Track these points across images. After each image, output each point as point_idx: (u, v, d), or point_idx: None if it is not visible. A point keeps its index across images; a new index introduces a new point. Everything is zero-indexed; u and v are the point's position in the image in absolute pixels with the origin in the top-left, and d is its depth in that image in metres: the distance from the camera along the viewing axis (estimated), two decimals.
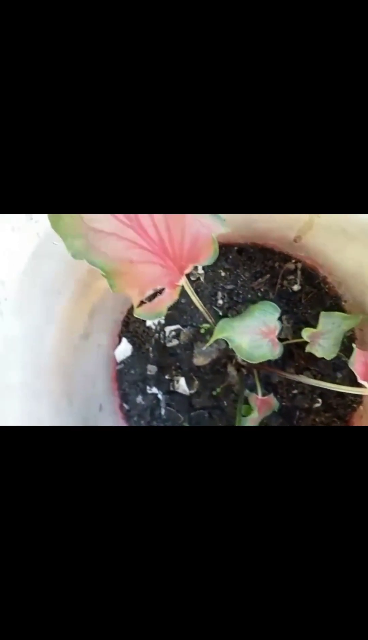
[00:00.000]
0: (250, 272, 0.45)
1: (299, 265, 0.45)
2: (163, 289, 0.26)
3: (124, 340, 0.46)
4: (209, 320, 0.35)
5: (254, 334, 0.35)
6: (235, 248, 0.45)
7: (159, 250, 0.26)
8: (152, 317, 0.26)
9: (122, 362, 0.46)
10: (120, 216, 0.24)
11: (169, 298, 0.26)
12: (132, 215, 0.25)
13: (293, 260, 0.45)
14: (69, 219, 0.23)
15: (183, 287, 0.27)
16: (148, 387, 0.46)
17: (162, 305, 0.26)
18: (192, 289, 0.28)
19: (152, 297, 0.26)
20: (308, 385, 0.45)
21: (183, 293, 0.46)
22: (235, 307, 0.45)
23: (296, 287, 0.45)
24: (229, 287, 0.45)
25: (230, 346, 0.33)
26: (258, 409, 0.40)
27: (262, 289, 0.45)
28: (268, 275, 0.45)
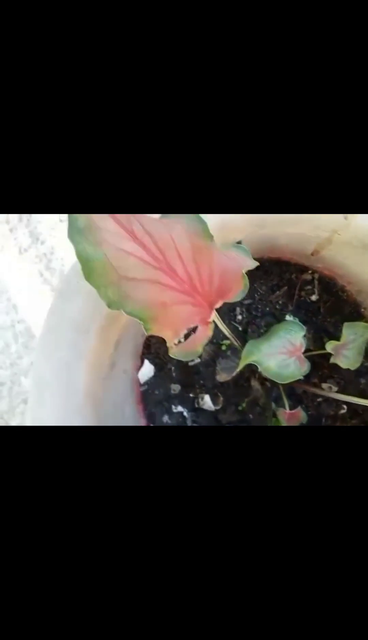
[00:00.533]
0: (267, 286, 0.45)
1: (316, 275, 0.45)
2: (196, 327, 0.26)
3: (146, 361, 0.46)
4: (235, 342, 0.35)
5: (281, 354, 0.35)
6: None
7: (189, 289, 0.26)
8: (188, 356, 0.26)
9: (146, 383, 0.47)
10: (148, 257, 0.24)
11: (203, 335, 0.26)
12: (160, 256, 0.25)
13: (310, 271, 0.44)
14: (101, 270, 0.23)
15: (214, 322, 0.27)
16: (173, 406, 0.47)
17: (197, 344, 0.26)
18: (222, 321, 0.28)
19: (186, 336, 0.26)
20: (334, 392, 0.45)
21: None
22: (255, 322, 0.45)
23: (314, 297, 0.45)
24: (247, 301, 0.45)
25: (260, 369, 0.33)
26: (287, 423, 0.40)
27: (280, 302, 0.45)
28: (285, 288, 0.45)
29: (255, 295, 0.45)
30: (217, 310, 0.46)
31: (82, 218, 0.22)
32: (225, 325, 0.29)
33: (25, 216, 0.66)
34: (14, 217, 0.67)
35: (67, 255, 0.66)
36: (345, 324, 0.38)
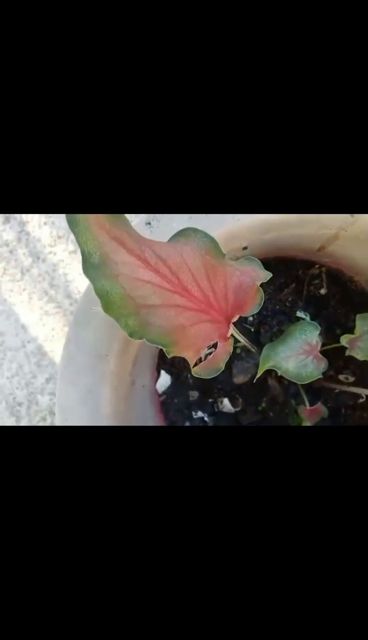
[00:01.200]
0: (274, 285, 0.45)
1: (323, 269, 0.44)
2: (216, 344, 0.26)
3: (162, 372, 0.46)
4: (252, 348, 0.36)
5: (298, 354, 0.35)
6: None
7: (205, 308, 0.26)
8: (211, 373, 0.26)
9: (164, 393, 0.47)
10: (164, 282, 0.24)
11: (224, 351, 0.26)
12: (174, 279, 0.25)
13: (317, 266, 0.44)
14: (120, 301, 0.23)
15: (233, 336, 0.27)
16: (193, 412, 0.47)
17: (219, 360, 0.26)
18: (240, 333, 0.29)
19: (207, 354, 0.26)
20: (350, 382, 0.45)
21: None
22: (266, 322, 0.45)
23: (323, 291, 0.45)
24: None
25: (280, 373, 0.34)
26: (309, 419, 0.41)
27: (290, 299, 0.45)
28: (293, 284, 0.45)
29: (264, 295, 0.45)
30: None
31: (96, 254, 0.22)
32: (241, 335, 0.29)
33: (23, 235, 0.66)
34: (12, 239, 0.66)
35: (69, 272, 0.66)
36: (358, 316, 0.39)
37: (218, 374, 0.26)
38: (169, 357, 0.25)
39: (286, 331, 0.36)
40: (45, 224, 0.67)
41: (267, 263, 0.45)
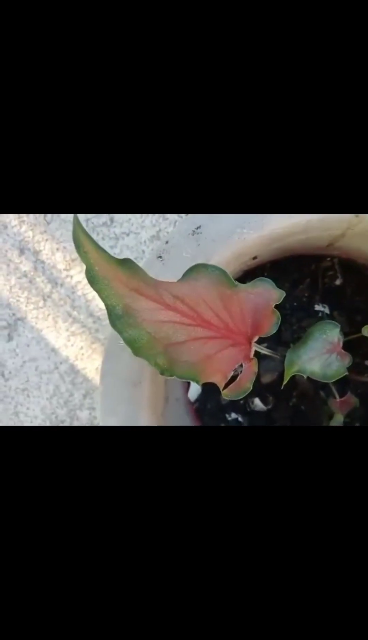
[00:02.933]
0: (289, 282, 0.45)
1: (335, 260, 0.44)
2: (241, 365, 0.28)
3: (192, 382, 0.49)
4: (275, 355, 0.37)
5: (321, 355, 0.36)
6: (268, 265, 0.45)
7: (227, 334, 0.27)
8: (240, 395, 0.28)
9: (196, 400, 0.49)
10: (184, 319, 0.26)
11: (250, 372, 0.28)
12: (193, 314, 0.26)
13: (328, 259, 0.44)
14: (147, 345, 0.25)
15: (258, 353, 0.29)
16: (227, 415, 0.49)
17: (246, 381, 0.28)
18: (262, 347, 0.30)
19: (234, 376, 0.28)
20: None
21: None
22: (286, 320, 0.46)
23: (338, 282, 0.45)
24: None
25: (305, 377, 0.35)
26: (340, 411, 0.42)
27: (306, 294, 0.46)
28: (308, 280, 0.45)
29: None
30: None
31: (119, 306, 0.24)
32: (263, 348, 0.30)
33: (39, 264, 0.69)
34: (29, 269, 0.69)
35: (88, 292, 0.68)
36: None
37: (246, 394, 0.27)
38: (199, 385, 0.27)
39: (306, 333, 0.37)
40: (57, 250, 0.69)
41: (278, 262, 0.45)
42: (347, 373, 0.36)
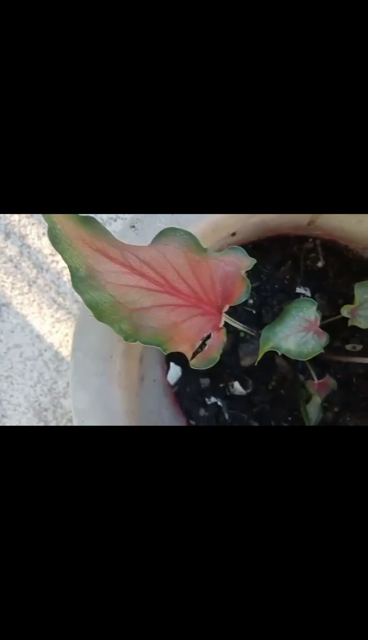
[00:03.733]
0: (271, 264, 0.45)
1: (318, 242, 0.44)
2: (209, 335, 0.27)
3: (172, 364, 0.48)
4: (250, 332, 0.36)
5: (297, 332, 0.36)
6: (250, 246, 0.45)
7: (195, 302, 0.27)
8: (208, 364, 0.27)
9: (176, 383, 0.49)
10: (151, 284, 0.25)
11: (218, 342, 0.27)
12: (160, 280, 0.26)
13: (311, 239, 0.44)
14: (111, 309, 0.24)
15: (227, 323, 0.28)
16: (207, 399, 0.49)
17: (214, 351, 0.27)
18: (234, 320, 0.29)
19: (202, 345, 0.27)
20: (357, 351, 0.46)
21: None
22: (267, 302, 0.46)
23: (320, 264, 0.45)
24: (255, 284, 0.45)
25: (280, 353, 0.34)
26: (317, 393, 0.42)
27: (288, 276, 0.45)
28: (289, 261, 0.45)
29: (262, 276, 0.45)
30: None
31: (82, 268, 0.23)
32: (236, 321, 0.30)
33: (25, 249, 0.68)
34: (15, 254, 0.68)
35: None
36: (357, 285, 0.38)
37: (214, 364, 0.27)
38: (165, 354, 0.26)
39: (283, 310, 0.36)
40: (43, 234, 0.68)
41: (260, 244, 0.45)
42: (322, 351, 0.35)
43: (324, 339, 0.36)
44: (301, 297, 0.45)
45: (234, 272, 0.27)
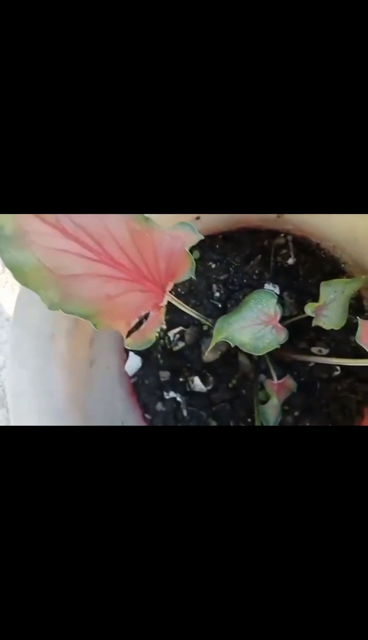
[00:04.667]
0: (240, 257, 0.43)
1: (289, 237, 0.43)
2: (148, 314, 0.26)
3: (131, 354, 0.46)
4: (206, 321, 0.34)
5: (254, 325, 0.34)
6: (220, 236, 0.43)
7: (135, 276, 0.25)
8: (143, 345, 0.25)
9: (135, 375, 0.46)
10: (85, 251, 0.23)
11: (155, 321, 0.25)
12: (97, 248, 0.24)
13: (282, 234, 0.42)
14: (35, 273, 0.22)
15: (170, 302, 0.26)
16: (165, 393, 0.47)
17: (150, 331, 0.25)
18: (178, 300, 0.28)
19: (138, 325, 0.26)
20: (323, 355, 0.44)
21: (178, 293, 0.45)
22: (233, 296, 0.44)
23: (291, 261, 0.43)
24: (222, 277, 0.44)
25: (233, 345, 0.33)
26: (276, 394, 0.40)
27: (257, 271, 0.43)
28: (259, 256, 0.43)
29: (230, 269, 0.44)
30: (192, 292, 0.45)
31: (9, 224, 0.21)
32: (185, 305, 0.28)
33: None
34: None
35: None
36: (322, 283, 0.37)
37: (150, 345, 0.25)
38: (97, 329, 0.24)
39: (242, 302, 0.34)
40: None
41: (231, 235, 0.43)
42: (278, 347, 0.34)
43: (283, 335, 0.35)
44: (276, 298, 0.44)
45: (180, 248, 0.25)
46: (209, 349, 0.32)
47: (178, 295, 0.44)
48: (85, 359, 0.37)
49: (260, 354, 0.33)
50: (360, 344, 0.28)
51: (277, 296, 0.34)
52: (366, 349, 0.28)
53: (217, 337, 0.32)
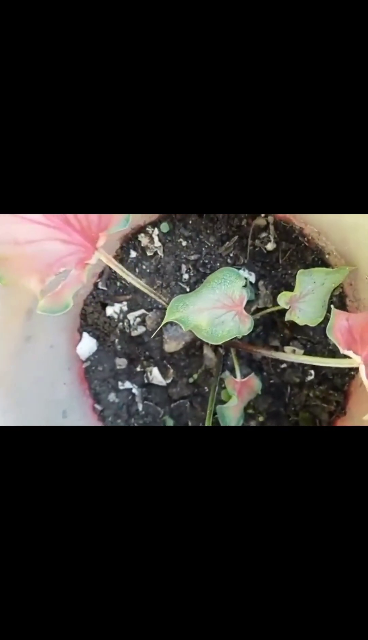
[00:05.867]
0: (215, 237, 0.39)
1: (270, 219, 0.38)
2: (69, 271, 0.21)
3: (85, 335, 0.41)
4: (162, 301, 0.30)
5: (214, 308, 0.29)
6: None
7: (60, 223, 0.20)
8: (57, 309, 0.20)
9: (88, 359, 0.41)
10: None
11: (75, 282, 0.20)
12: None
13: (263, 215, 0.38)
14: None
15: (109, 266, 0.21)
16: (120, 383, 0.42)
17: (67, 293, 0.20)
18: (117, 263, 0.23)
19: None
20: (296, 355, 0.39)
21: (143, 272, 0.40)
22: (203, 281, 0.39)
23: (270, 246, 0.38)
24: (193, 257, 0.39)
25: (185, 329, 0.28)
26: (238, 394, 0.35)
27: (231, 254, 0.39)
28: (236, 237, 0.38)
29: (202, 248, 0.39)
30: (159, 270, 0.40)
31: None
32: (117, 263, 0.23)
33: None
34: None
35: None
36: (300, 272, 0.32)
37: (66, 310, 0.20)
38: (2, 284, 0.19)
39: (204, 281, 0.30)
40: None
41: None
42: (238, 338, 0.29)
43: (247, 324, 0.30)
44: (243, 282, 0.39)
45: None
46: (155, 333, 0.27)
47: (142, 274, 0.39)
48: (18, 332, 0.32)
49: (218, 344, 0.28)
50: (331, 338, 0.23)
51: (244, 279, 0.29)
52: (337, 344, 0.23)
53: (170, 316, 0.27)
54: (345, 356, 0.24)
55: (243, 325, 0.29)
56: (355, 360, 0.24)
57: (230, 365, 0.40)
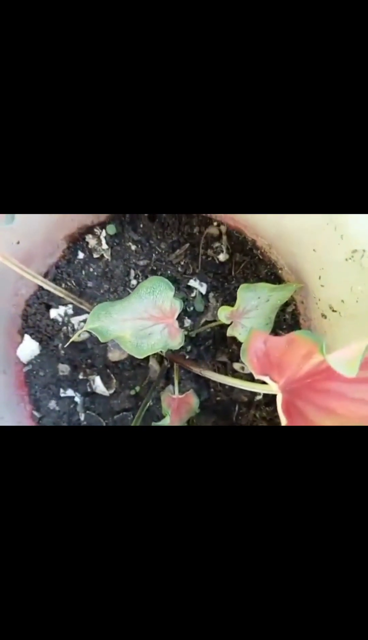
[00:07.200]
0: (166, 243, 0.37)
1: (223, 228, 0.36)
2: None
3: (27, 337, 0.39)
4: (86, 307, 0.28)
5: (140, 319, 0.27)
6: (146, 214, 0.37)
7: None
8: None
9: (30, 363, 0.40)
10: None
11: None
12: None
13: (216, 223, 0.36)
14: None
15: None
16: (62, 390, 0.40)
17: None
18: (10, 258, 0.21)
19: None
20: (247, 374, 0.37)
21: (90, 274, 0.38)
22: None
23: (223, 257, 0.37)
24: (142, 262, 0.37)
25: (102, 340, 0.26)
26: (174, 411, 0.33)
27: (182, 262, 0.37)
28: (187, 245, 0.37)
29: (153, 254, 0.37)
30: (107, 274, 0.38)
31: None
32: (10, 258, 0.21)
33: None
34: None
35: None
36: (242, 286, 0.30)
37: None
38: None
39: (134, 290, 0.28)
40: None
41: (158, 215, 0.37)
42: (162, 352, 0.27)
43: (178, 338, 0.28)
44: (194, 292, 0.37)
45: None
46: (70, 341, 0.25)
47: (89, 277, 0.37)
48: None
49: (142, 357, 0.26)
50: (244, 361, 0.21)
51: (174, 289, 0.27)
52: (251, 369, 0.21)
53: (90, 325, 0.25)
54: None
55: (173, 340, 0.27)
56: (266, 387, 0.21)
57: (174, 379, 0.37)
